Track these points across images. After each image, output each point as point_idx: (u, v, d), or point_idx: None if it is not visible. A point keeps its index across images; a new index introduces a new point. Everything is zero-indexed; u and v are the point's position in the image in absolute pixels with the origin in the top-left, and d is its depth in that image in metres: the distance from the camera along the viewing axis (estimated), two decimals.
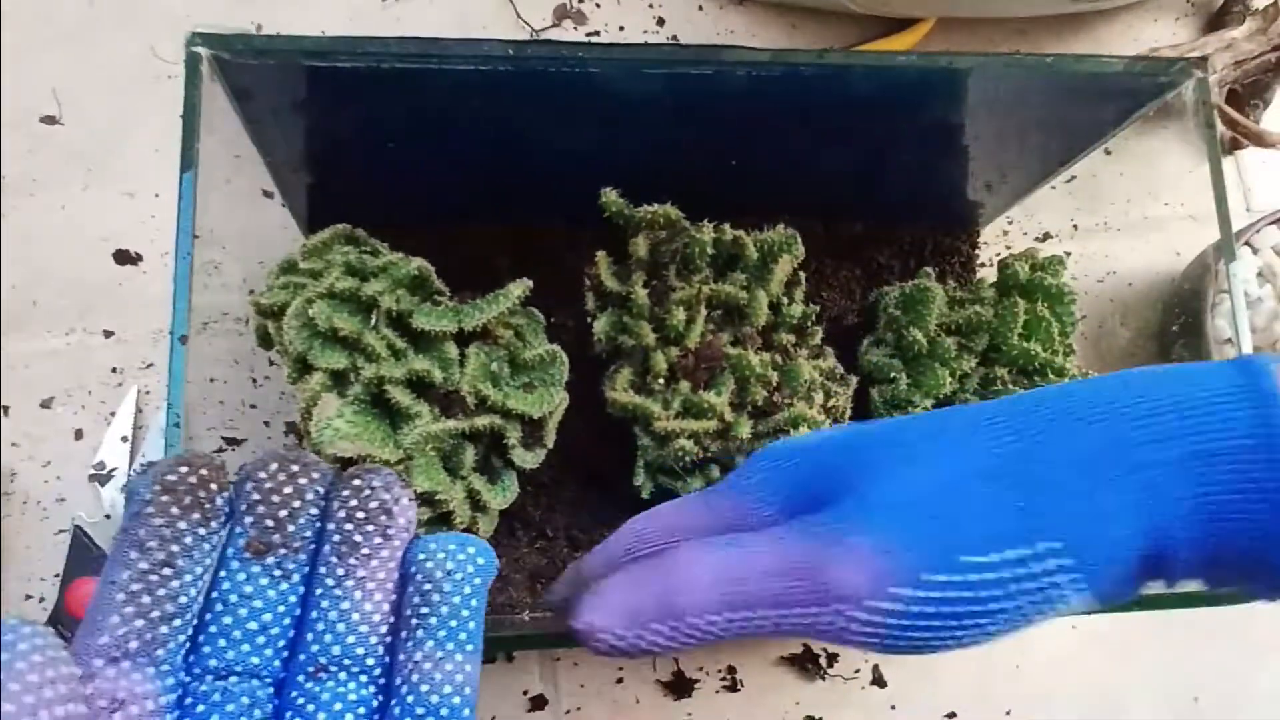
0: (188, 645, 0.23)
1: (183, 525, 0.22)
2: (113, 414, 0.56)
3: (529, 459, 0.46)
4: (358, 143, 0.47)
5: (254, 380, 0.55)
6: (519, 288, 0.44)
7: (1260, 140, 0.64)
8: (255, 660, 0.23)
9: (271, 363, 0.56)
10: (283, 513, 0.23)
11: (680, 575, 0.25)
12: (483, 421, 0.43)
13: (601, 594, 0.26)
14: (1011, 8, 0.63)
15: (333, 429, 0.40)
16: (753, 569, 0.25)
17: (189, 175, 0.37)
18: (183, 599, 0.22)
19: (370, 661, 0.23)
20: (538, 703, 0.56)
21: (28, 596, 0.54)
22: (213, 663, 0.23)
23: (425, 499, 0.42)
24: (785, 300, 0.49)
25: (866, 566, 0.24)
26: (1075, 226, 0.67)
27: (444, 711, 0.22)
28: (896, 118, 0.47)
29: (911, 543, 0.24)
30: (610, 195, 0.46)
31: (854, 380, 0.51)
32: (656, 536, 0.29)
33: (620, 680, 0.57)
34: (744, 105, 0.44)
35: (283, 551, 0.23)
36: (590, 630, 0.25)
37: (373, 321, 0.42)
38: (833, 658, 0.59)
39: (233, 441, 0.53)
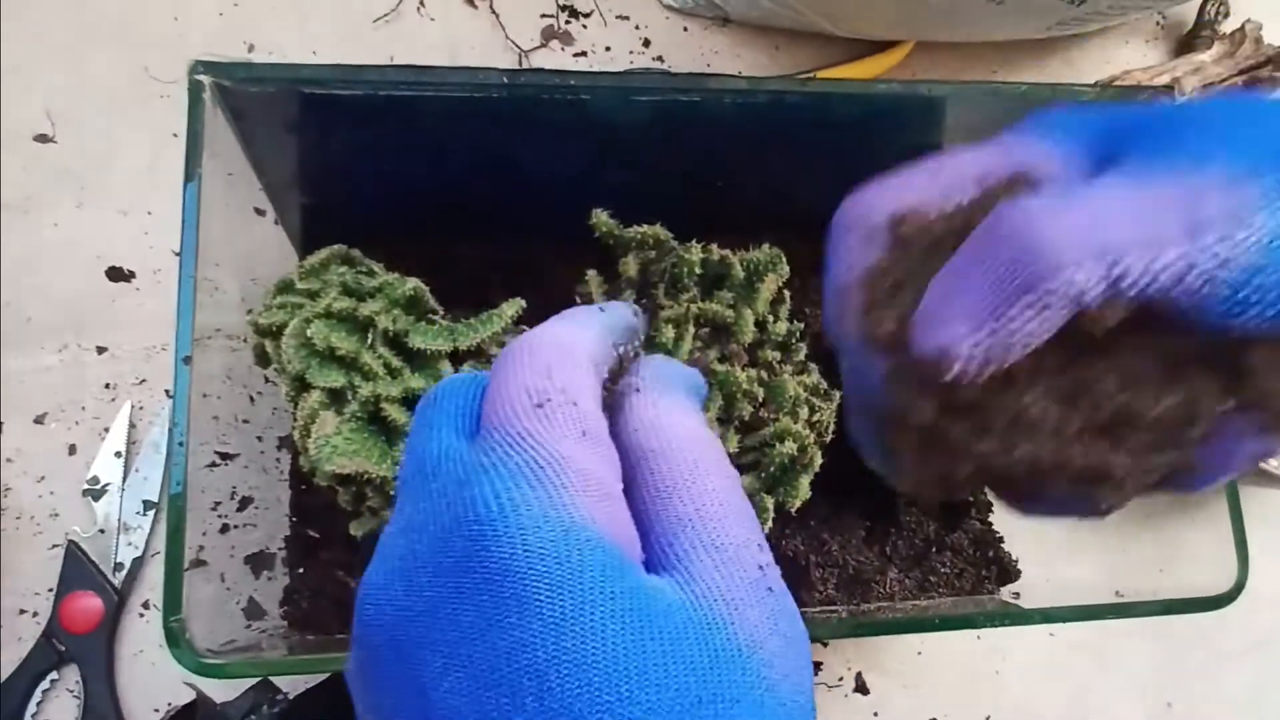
0: None
1: None
2: (106, 430, 0.56)
3: None
4: (353, 164, 0.48)
5: (248, 396, 0.56)
6: (512, 307, 0.45)
7: None
8: None
9: (266, 379, 0.56)
10: None
11: (1033, 234, 0.21)
12: None
13: (938, 300, 0.23)
14: (986, 33, 0.64)
15: (330, 446, 0.40)
16: (1118, 211, 0.22)
17: (192, 200, 0.38)
18: None
19: None
20: None
21: (21, 611, 0.54)
22: None
23: None
24: (771, 318, 0.50)
25: (1235, 192, 0.21)
26: None
27: None
28: (878, 141, 0.49)
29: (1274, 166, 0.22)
30: (600, 216, 0.47)
31: (837, 395, 0.52)
32: (952, 192, 0.27)
33: None
34: (730, 129, 0.46)
35: None
36: (944, 352, 0.22)
37: (369, 341, 0.43)
38: (816, 665, 0.60)
39: (225, 456, 0.54)
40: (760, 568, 0.21)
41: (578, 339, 0.23)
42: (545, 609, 0.18)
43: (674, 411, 0.23)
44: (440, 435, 0.21)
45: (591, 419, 0.21)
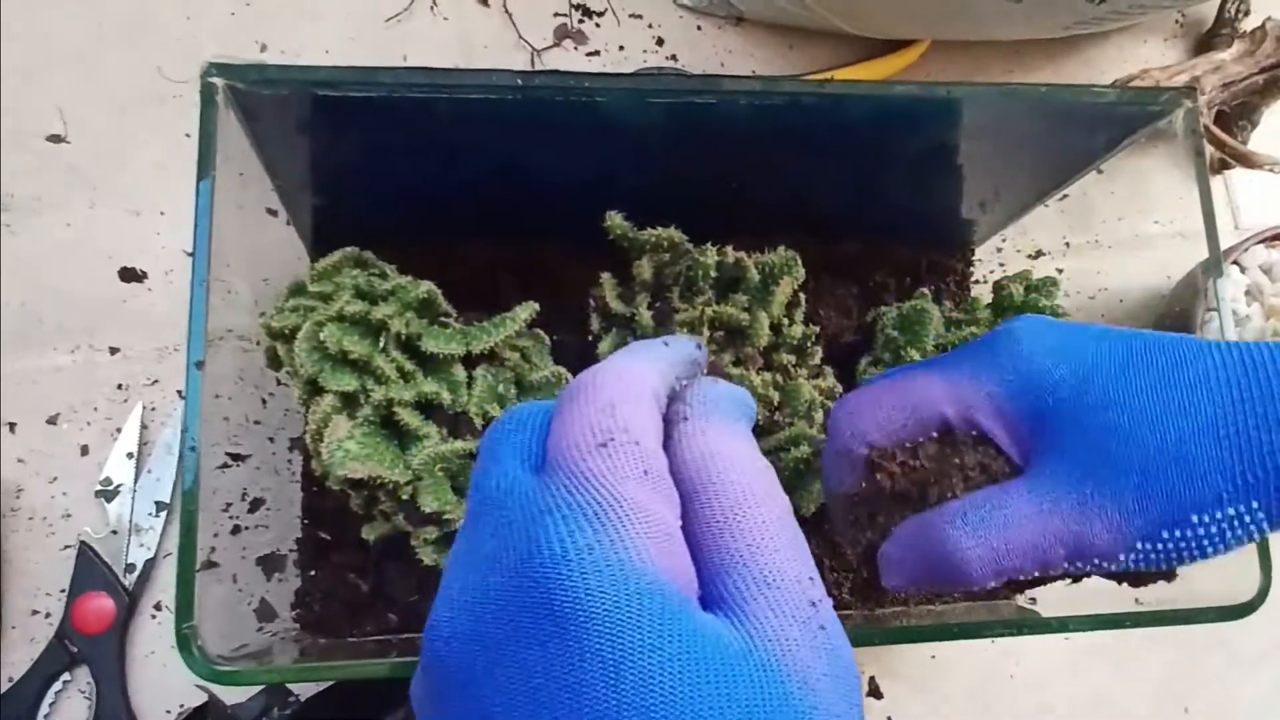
0: None
1: None
2: (118, 430, 0.56)
3: None
4: (365, 165, 0.48)
5: (259, 398, 0.56)
6: (525, 311, 0.45)
7: (1248, 161, 0.66)
8: None
9: (278, 380, 0.56)
10: None
11: (950, 559, 0.29)
12: None
13: (889, 562, 0.31)
14: (1003, 32, 0.64)
15: (343, 450, 0.40)
16: (1017, 544, 0.29)
17: (205, 201, 0.38)
18: None
19: None
20: None
21: (34, 611, 0.54)
22: None
23: (433, 518, 0.43)
24: (786, 321, 0.50)
25: (1118, 531, 0.28)
26: (1067, 244, 0.68)
27: None
28: (894, 142, 0.48)
29: (1153, 506, 0.28)
30: (615, 218, 0.47)
31: None
32: (899, 419, 0.32)
33: None
34: (745, 131, 0.45)
35: None
36: (894, 589, 0.32)
37: (382, 344, 0.43)
38: None
39: (237, 458, 0.54)
40: (813, 604, 0.21)
41: (642, 374, 0.23)
42: (606, 652, 0.18)
43: (723, 438, 0.23)
44: (507, 467, 0.22)
45: (653, 458, 0.22)
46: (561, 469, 0.21)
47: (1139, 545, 0.28)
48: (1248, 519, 0.27)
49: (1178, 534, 0.28)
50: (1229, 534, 0.27)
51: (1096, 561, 0.29)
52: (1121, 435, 0.28)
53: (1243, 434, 0.27)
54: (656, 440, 0.22)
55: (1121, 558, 0.28)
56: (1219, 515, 0.27)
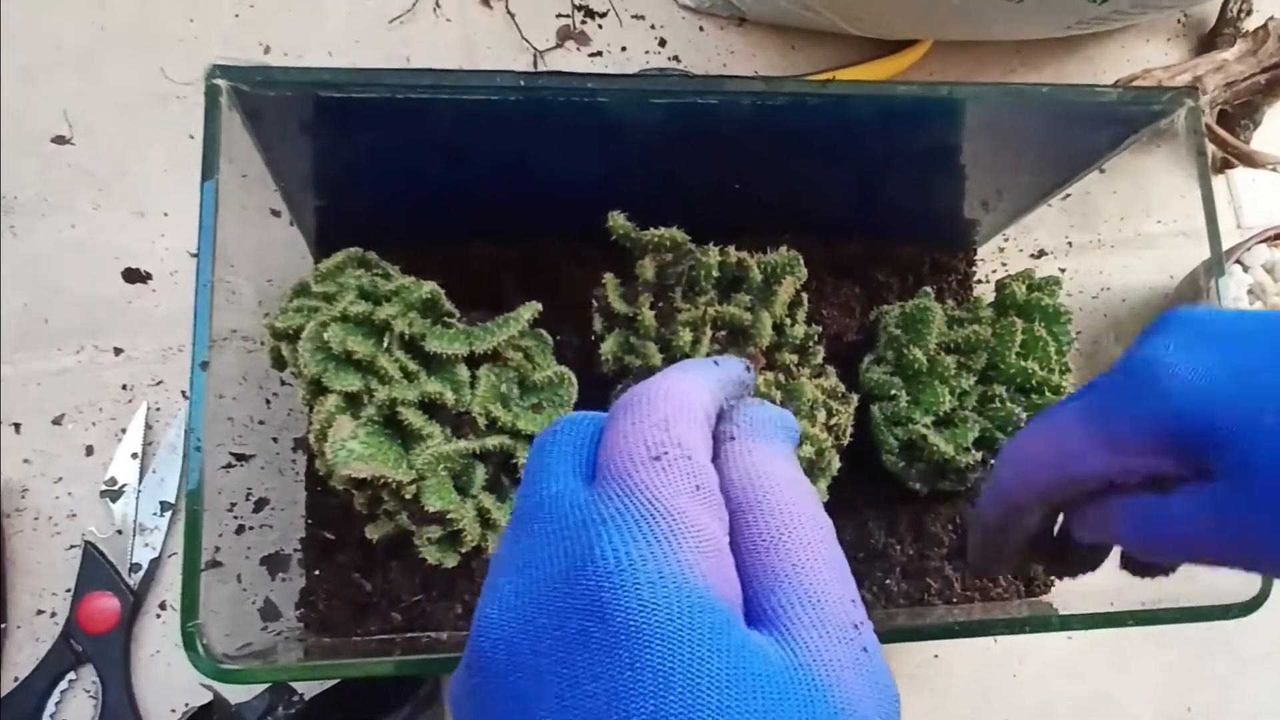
0: None
1: None
2: (123, 431, 0.56)
3: None
4: (368, 166, 0.48)
5: (264, 398, 0.56)
6: (529, 311, 0.45)
7: (1250, 160, 0.66)
8: None
9: (282, 381, 0.56)
10: None
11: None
12: (493, 442, 0.44)
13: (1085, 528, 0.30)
14: (1005, 32, 0.64)
15: (347, 450, 0.40)
16: (1179, 546, 0.27)
17: (209, 202, 0.38)
18: None
19: None
20: None
21: (39, 611, 0.54)
22: None
23: (436, 517, 0.43)
24: (788, 321, 0.50)
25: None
26: (1070, 243, 0.68)
27: None
28: (897, 142, 0.49)
29: None
30: (617, 218, 0.47)
31: (855, 398, 0.52)
32: (1030, 471, 0.30)
33: None
34: (748, 131, 0.45)
35: None
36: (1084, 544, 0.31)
37: (386, 344, 0.43)
38: None
39: (241, 458, 0.54)
40: (855, 626, 0.21)
41: (694, 392, 0.23)
42: (655, 663, 0.18)
43: (768, 460, 0.23)
44: (558, 474, 0.22)
45: (704, 473, 0.22)
46: (615, 480, 0.21)
47: None
48: None
49: None
50: None
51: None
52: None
53: None
54: (707, 456, 0.22)
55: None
56: None
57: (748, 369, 0.27)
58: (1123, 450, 0.27)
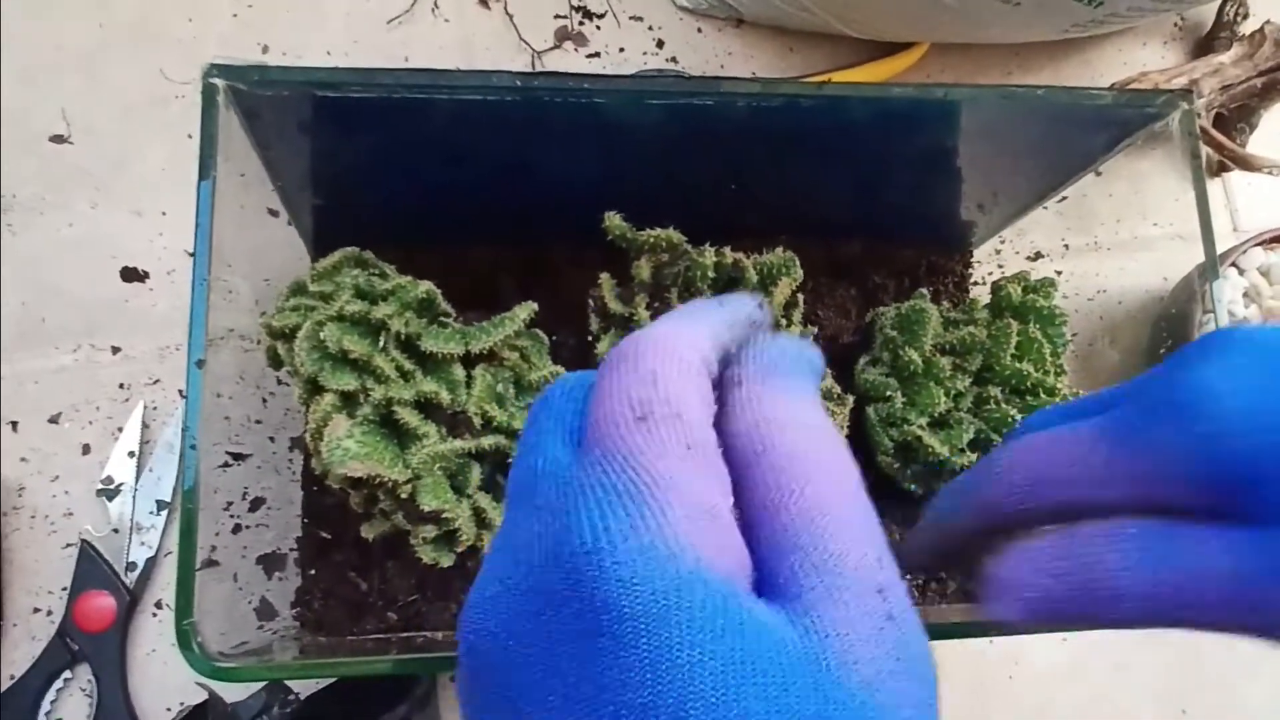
0: None
1: None
2: (120, 429, 0.56)
3: None
4: (366, 166, 0.48)
5: (260, 397, 0.56)
6: (525, 311, 0.45)
7: (1246, 164, 0.66)
8: None
9: (279, 380, 0.56)
10: None
11: (1104, 585, 0.23)
12: (489, 441, 0.44)
13: (1007, 585, 0.24)
14: (1001, 35, 0.64)
15: (343, 449, 0.40)
16: (1198, 593, 0.22)
17: (206, 201, 0.38)
18: None
19: None
20: None
21: (36, 609, 0.54)
22: None
23: (432, 517, 0.43)
24: (784, 322, 0.50)
25: None
26: (1066, 246, 0.68)
27: None
28: (893, 145, 0.49)
29: None
30: (614, 219, 0.47)
31: (850, 399, 0.52)
32: (1034, 486, 0.25)
33: None
34: (745, 133, 0.45)
35: None
36: (1005, 620, 0.24)
37: (382, 344, 0.43)
38: None
39: (238, 457, 0.54)
40: (879, 591, 0.19)
41: (688, 339, 0.21)
42: (643, 647, 0.17)
43: (777, 404, 0.21)
44: (546, 445, 0.20)
45: (698, 430, 0.19)
46: (597, 445, 0.19)
47: None
48: None
49: None
50: None
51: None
52: None
53: None
54: (703, 411, 0.20)
55: None
56: None
57: (760, 306, 0.23)
58: (1146, 482, 0.23)
